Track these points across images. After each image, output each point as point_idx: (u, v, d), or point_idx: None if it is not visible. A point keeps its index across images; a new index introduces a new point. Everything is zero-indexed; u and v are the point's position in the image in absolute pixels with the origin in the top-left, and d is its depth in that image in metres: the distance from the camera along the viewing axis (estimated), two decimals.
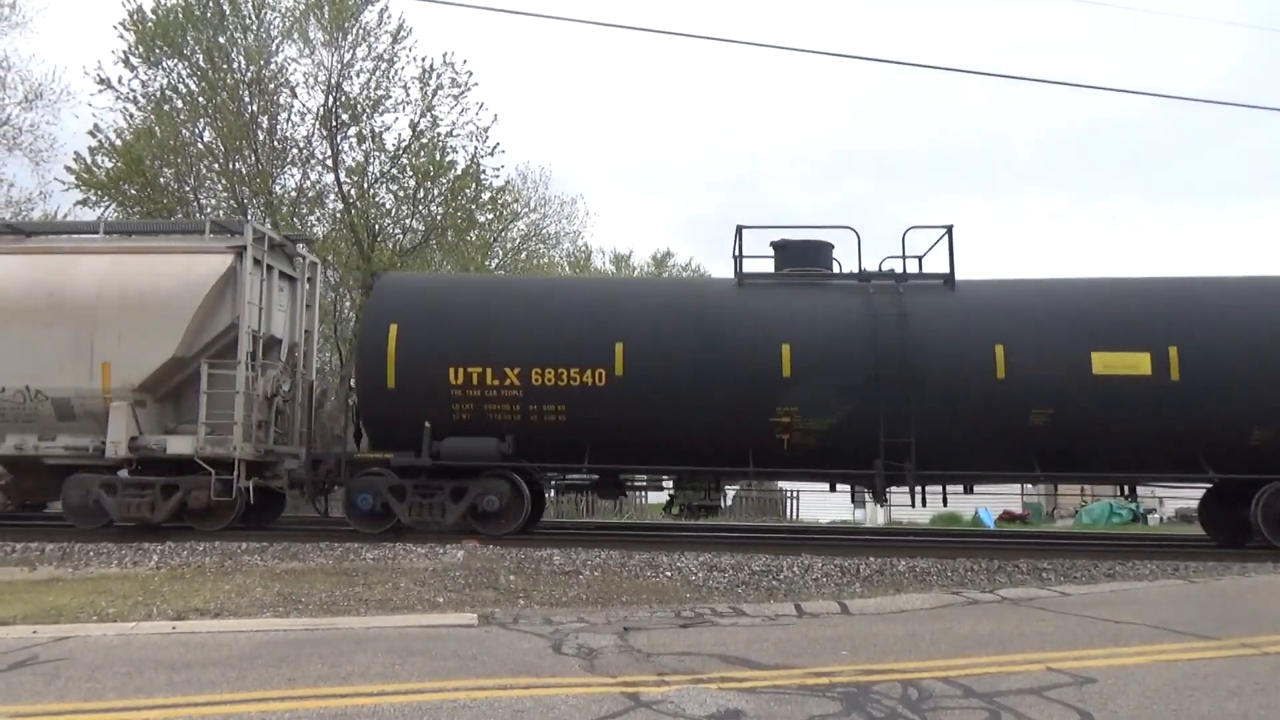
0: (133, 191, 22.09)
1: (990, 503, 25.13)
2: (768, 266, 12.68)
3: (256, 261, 12.41)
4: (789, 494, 27.33)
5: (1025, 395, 11.14)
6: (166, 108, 22.49)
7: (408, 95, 23.64)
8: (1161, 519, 26.90)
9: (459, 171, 23.93)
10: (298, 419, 12.61)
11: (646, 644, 5.83)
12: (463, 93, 23.72)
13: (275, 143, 23.52)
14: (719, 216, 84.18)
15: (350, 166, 23.80)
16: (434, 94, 23.57)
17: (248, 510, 12.08)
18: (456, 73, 23.67)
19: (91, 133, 21.98)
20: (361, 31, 23.23)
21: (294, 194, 23.83)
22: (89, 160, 21.93)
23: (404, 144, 23.75)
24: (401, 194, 24.15)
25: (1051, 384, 11.13)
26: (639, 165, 76.66)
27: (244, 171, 23.08)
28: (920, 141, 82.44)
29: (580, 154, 68.63)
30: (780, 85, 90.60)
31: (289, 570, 9.07)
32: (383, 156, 23.86)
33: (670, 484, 12.98)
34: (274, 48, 23.22)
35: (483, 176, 24.45)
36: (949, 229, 12.07)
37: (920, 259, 12.47)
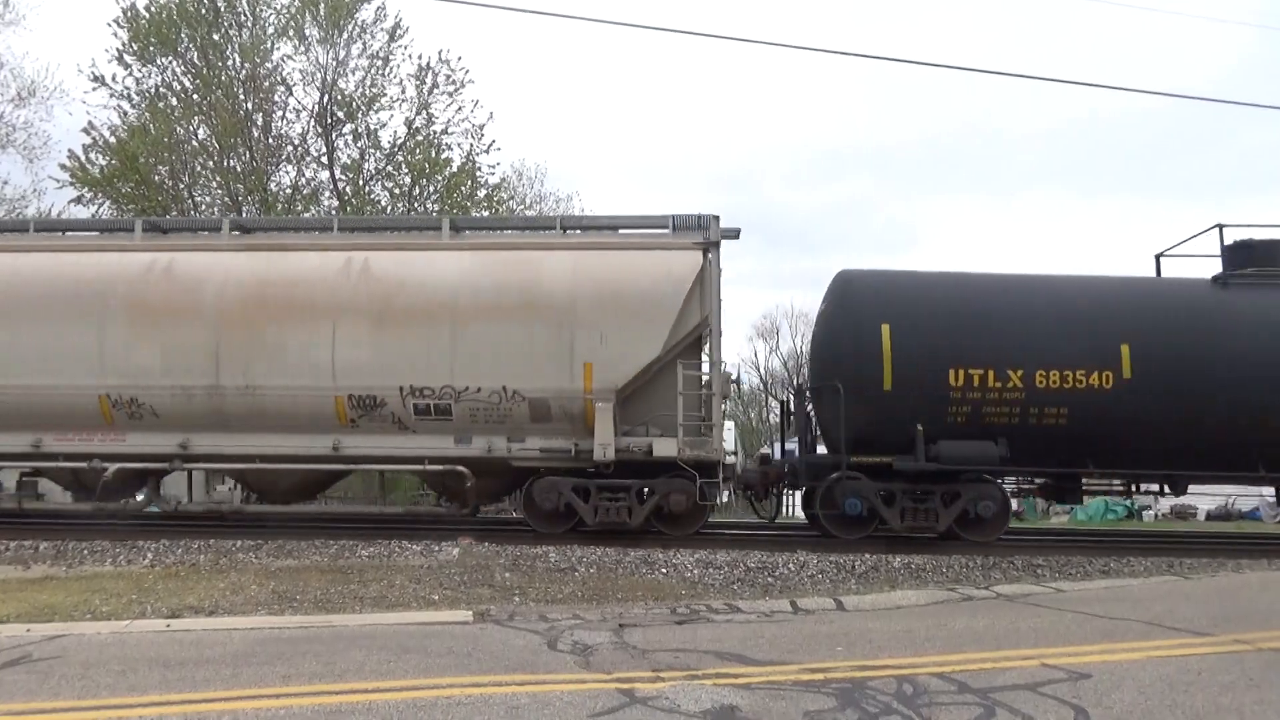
0: (127, 189, 22.05)
1: None
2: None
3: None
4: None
5: None
6: (161, 105, 22.47)
7: (403, 92, 23.70)
8: (1156, 515, 26.97)
9: (454, 169, 23.94)
10: (715, 413, 11.78)
11: (642, 640, 5.83)
12: (458, 90, 23.79)
13: (270, 140, 23.50)
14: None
15: (345, 164, 23.82)
16: (430, 91, 23.62)
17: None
18: (452, 70, 23.73)
19: (86, 130, 21.98)
20: (357, 29, 23.27)
21: (289, 191, 23.81)
22: (83, 158, 21.92)
23: (399, 141, 23.75)
24: (397, 191, 24.18)
25: None
26: (635, 162, 76.68)
27: (239, 169, 23.05)
28: (921, 137, 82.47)
29: (576, 151, 68.70)
30: (780, 84, 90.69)
31: (284, 568, 9.05)
32: (378, 154, 23.90)
33: (1119, 486, 12.68)
34: (269, 45, 23.20)
35: (478, 174, 24.49)
36: None
37: None
